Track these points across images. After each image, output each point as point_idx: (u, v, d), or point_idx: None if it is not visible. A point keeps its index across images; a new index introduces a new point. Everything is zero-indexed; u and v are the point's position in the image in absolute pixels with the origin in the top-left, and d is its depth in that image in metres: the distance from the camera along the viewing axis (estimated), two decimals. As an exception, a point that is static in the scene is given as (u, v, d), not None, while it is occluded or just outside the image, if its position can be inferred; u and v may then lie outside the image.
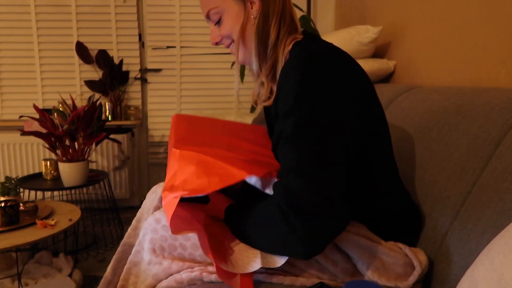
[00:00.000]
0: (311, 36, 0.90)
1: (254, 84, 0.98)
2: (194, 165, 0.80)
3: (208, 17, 0.93)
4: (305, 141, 0.71)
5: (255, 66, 0.91)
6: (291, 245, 0.71)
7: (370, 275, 0.80)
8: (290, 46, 0.87)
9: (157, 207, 1.02)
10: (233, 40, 0.92)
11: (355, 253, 0.81)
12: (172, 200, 0.77)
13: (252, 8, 0.88)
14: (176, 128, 1.00)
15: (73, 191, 2.37)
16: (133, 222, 1.08)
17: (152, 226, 0.89)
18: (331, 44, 0.85)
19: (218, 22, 0.91)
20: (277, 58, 0.89)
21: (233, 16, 0.89)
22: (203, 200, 0.93)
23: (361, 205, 0.85)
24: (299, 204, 0.68)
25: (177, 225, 0.80)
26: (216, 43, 0.95)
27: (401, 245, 0.84)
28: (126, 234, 1.07)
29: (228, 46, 0.95)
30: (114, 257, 1.06)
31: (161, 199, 1.03)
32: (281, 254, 0.78)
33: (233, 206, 0.90)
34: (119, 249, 1.06)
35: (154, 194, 1.07)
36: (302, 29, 0.92)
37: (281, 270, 0.83)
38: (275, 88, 0.91)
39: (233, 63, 2.51)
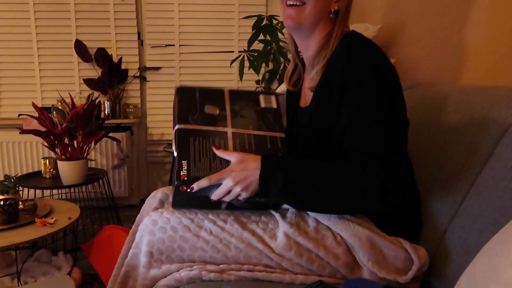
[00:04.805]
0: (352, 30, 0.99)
1: (291, 64, 1.08)
2: None
3: None
4: (395, 123, 0.81)
5: (314, 50, 0.96)
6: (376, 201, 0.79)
7: (370, 266, 0.80)
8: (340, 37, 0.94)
9: (156, 209, 1.01)
10: (305, 2, 0.90)
11: (357, 243, 0.81)
12: None
13: None
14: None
15: (72, 189, 2.37)
16: (133, 227, 1.07)
17: (149, 228, 0.88)
18: None
19: None
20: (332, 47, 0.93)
21: None
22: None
23: None
24: (396, 176, 0.78)
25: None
26: None
27: (402, 241, 0.85)
28: (126, 240, 1.06)
29: (295, 4, 0.91)
30: (116, 265, 1.05)
31: (160, 202, 1.03)
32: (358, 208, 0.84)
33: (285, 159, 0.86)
34: (121, 254, 1.05)
35: (153, 199, 1.06)
36: None
37: (280, 268, 0.83)
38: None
39: (232, 62, 2.51)
